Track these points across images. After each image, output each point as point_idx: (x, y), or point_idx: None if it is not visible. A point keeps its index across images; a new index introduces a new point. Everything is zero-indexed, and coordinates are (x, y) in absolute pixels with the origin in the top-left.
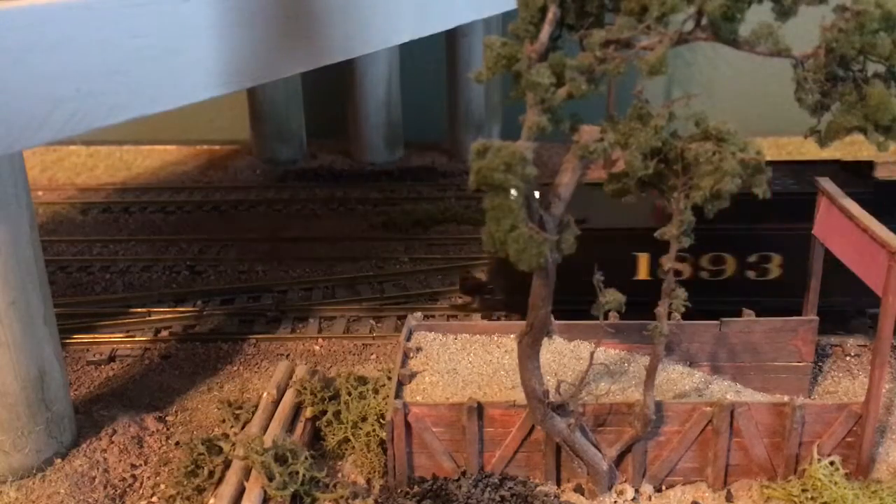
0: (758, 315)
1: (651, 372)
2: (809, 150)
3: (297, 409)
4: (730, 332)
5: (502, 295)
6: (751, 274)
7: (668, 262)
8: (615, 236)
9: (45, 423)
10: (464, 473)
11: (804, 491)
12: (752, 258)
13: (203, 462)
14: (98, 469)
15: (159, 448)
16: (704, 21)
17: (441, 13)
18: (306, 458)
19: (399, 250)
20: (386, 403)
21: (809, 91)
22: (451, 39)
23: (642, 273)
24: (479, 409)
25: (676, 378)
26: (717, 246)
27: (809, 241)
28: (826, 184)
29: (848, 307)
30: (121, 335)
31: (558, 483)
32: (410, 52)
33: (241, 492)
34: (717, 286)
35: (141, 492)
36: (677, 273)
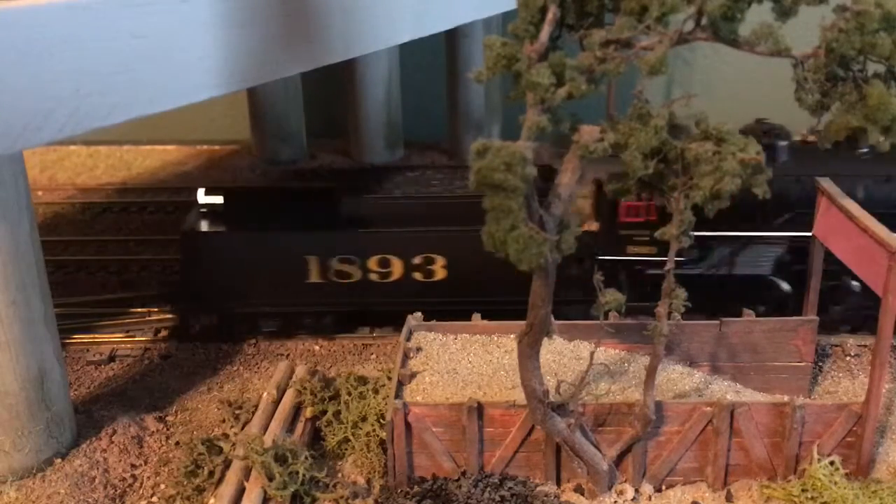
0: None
1: (651, 372)
2: None
3: (297, 409)
4: (730, 332)
5: None
6: (417, 275)
7: (668, 262)
8: (288, 239)
9: (45, 423)
10: (464, 473)
11: (804, 491)
12: (417, 260)
13: (203, 462)
14: (98, 469)
15: (159, 448)
16: (704, 21)
17: (441, 13)
18: (306, 458)
19: None
20: (386, 403)
21: (809, 91)
22: (451, 39)
23: (314, 276)
24: (479, 409)
25: (676, 378)
26: (383, 249)
27: (471, 244)
28: (826, 184)
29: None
30: (121, 335)
31: (558, 483)
32: (410, 52)
33: (241, 492)
34: (386, 288)
35: (141, 492)
36: (346, 276)
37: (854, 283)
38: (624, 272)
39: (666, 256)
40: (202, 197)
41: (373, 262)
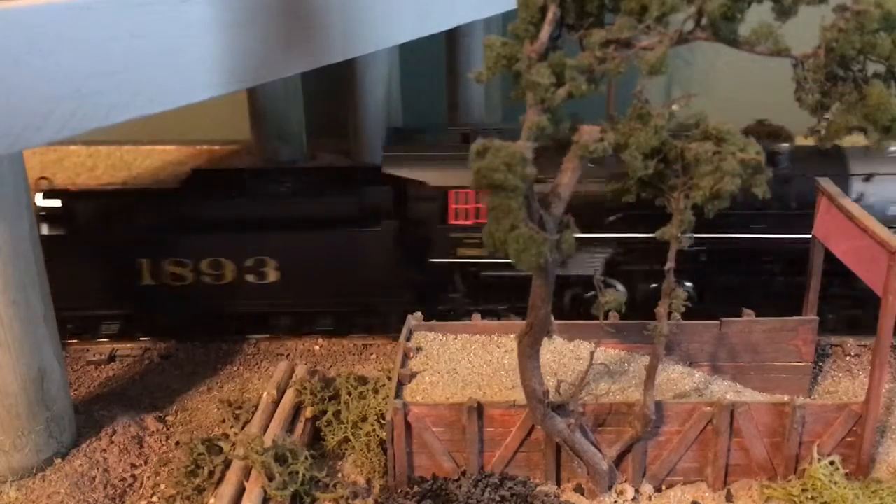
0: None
1: (651, 372)
2: None
3: (297, 409)
4: (730, 332)
5: None
6: (250, 278)
7: (668, 262)
8: (120, 241)
9: (45, 423)
10: (464, 473)
11: (804, 491)
12: (249, 263)
13: (203, 462)
14: (98, 469)
15: (159, 448)
16: (704, 21)
17: (441, 13)
18: (306, 458)
19: None
20: (386, 403)
21: (809, 91)
22: (451, 39)
23: (146, 278)
24: (479, 409)
25: (676, 378)
26: (215, 251)
27: (303, 246)
28: (826, 184)
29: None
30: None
31: (558, 483)
32: (410, 52)
33: (241, 492)
34: (219, 290)
35: (141, 492)
36: (180, 278)
37: (687, 283)
38: (458, 274)
39: (495, 259)
40: (40, 201)
41: (205, 265)
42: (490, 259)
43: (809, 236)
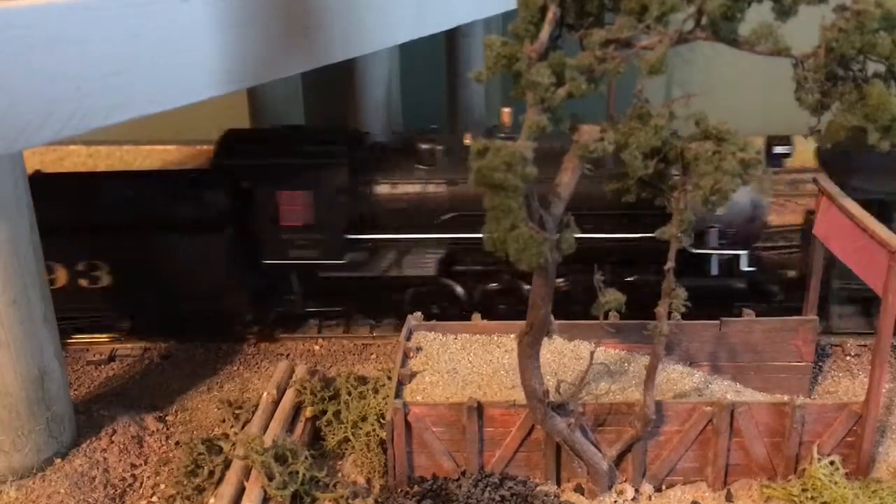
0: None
1: (651, 372)
2: None
3: (297, 409)
4: (730, 331)
5: None
6: (83, 282)
7: (668, 262)
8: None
9: (45, 422)
10: (464, 473)
11: (804, 490)
12: (81, 267)
13: (203, 462)
14: (98, 469)
15: (159, 448)
16: (704, 20)
17: (441, 13)
18: (306, 458)
19: None
20: (386, 403)
21: (809, 91)
22: (451, 39)
23: (60, 281)
24: (479, 409)
25: (676, 378)
26: (47, 255)
27: (136, 249)
28: (826, 184)
29: None
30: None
31: (558, 483)
32: (410, 52)
33: (241, 491)
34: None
35: (141, 491)
36: None
37: (526, 286)
38: (294, 276)
39: (327, 260)
40: None
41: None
42: (322, 260)
43: (639, 235)
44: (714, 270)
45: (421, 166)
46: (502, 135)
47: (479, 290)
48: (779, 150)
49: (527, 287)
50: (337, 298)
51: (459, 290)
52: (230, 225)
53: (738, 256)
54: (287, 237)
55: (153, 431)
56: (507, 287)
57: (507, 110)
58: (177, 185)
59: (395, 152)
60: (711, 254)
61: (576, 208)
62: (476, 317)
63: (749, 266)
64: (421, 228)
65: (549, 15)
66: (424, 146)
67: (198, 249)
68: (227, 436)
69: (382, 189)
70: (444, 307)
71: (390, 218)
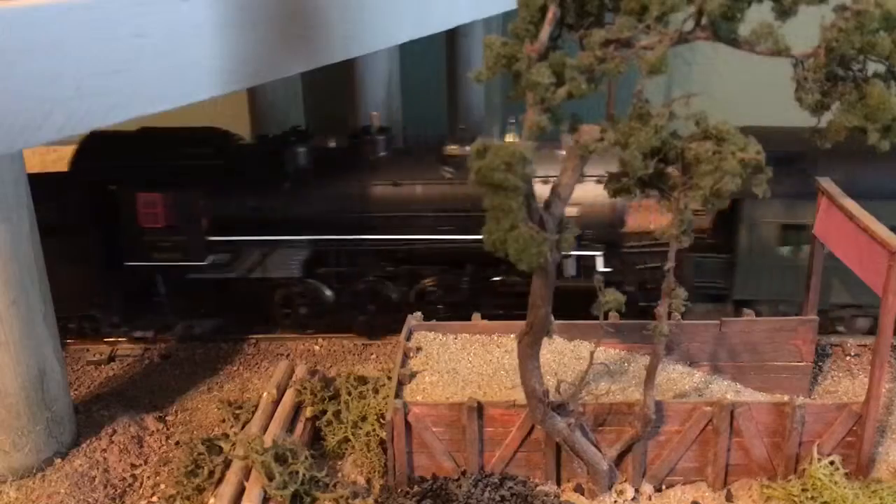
0: None
1: (651, 372)
2: None
3: (297, 409)
4: (730, 331)
5: None
6: None
7: (668, 262)
8: None
9: (45, 422)
10: (464, 473)
11: (804, 490)
12: None
13: (203, 462)
14: (98, 469)
15: (159, 448)
16: (704, 21)
17: (441, 13)
18: (306, 458)
19: None
20: (386, 403)
21: (809, 91)
22: (451, 39)
23: None
24: (479, 409)
25: (676, 378)
26: None
27: None
28: (826, 184)
29: None
30: (120, 335)
31: (558, 483)
32: (410, 52)
33: (241, 491)
34: None
35: (141, 491)
36: None
37: (328, 291)
38: (160, 278)
39: (189, 262)
40: None
41: None
42: (183, 262)
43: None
44: (571, 272)
45: (287, 169)
46: (368, 136)
47: (348, 290)
48: None
49: (328, 293)
50: (204, 301)
51: (327, 291)
52: (95, 227)
53: (593, 257)
54: (148, 239)
55: (153, 431)
56: (373, 287)
57: (375, 114)
58: (38, 188)
59: (262, 155)
60: (568, 255)
61: (441, 210)
62: (476, 317)
63: (606, 267)
64: (284, 230)
65: (549, 15)
66: (291, 149)
67: (63, 252)
68: (227, 436)
69: (247, 192)
70: (312, 308)
71: (254, 220)
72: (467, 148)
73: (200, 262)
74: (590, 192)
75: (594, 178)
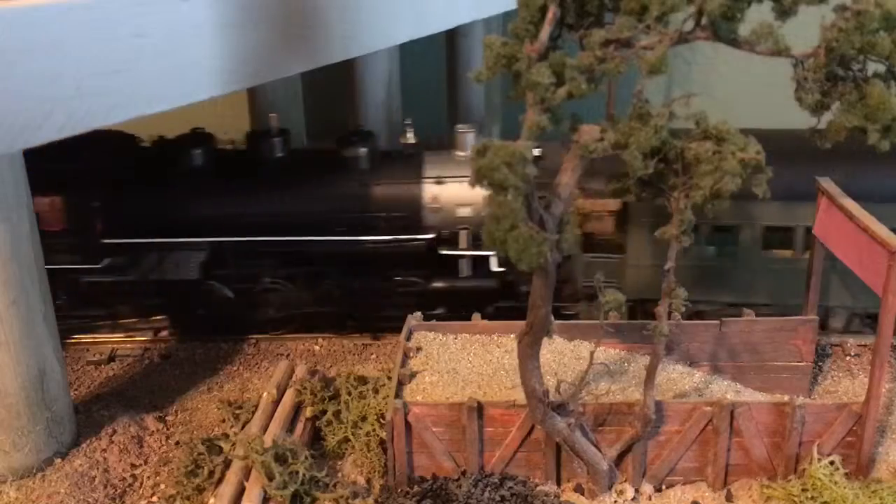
0: None
1: (651, 372)
2: None
3: (297, 409)
4: (730, 331)
5: None
6: None
7: (668, 262)
8: None
9: (45, 422)
10: (464, 473)
11: (804, 490)
12: None
13: (203, 462)
14: (98, 469)
15: (159, 448)
16: (704, 21)
17: (441, 13)
18: (306, 458)
19: None
20: (386, 403)
21: (809, 91)
22: (451, 39)
23: None
24: (479, 409)
25: (676, 378)
26: None
27: None
28: (826, 183)
29: None
30: (121, 335)
31: (558, 483)
32: (410, 52)
33: (241, 491)
34: None
35: (141, 491)
36: None
37: (227, 292)
38: (62, 280)
39: (84, 265)
40: None
41: None
42: (78, 265)
43: (388, 238)
44: (465, 272)
45: (180, 171)
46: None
47: (248, 291)
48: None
49: (229, 294)
50: (101, 303)
51: (227, 292)
52: None
53: (487, 257)
54: (48, 242)
55: (153, 431)
56: (273, 287)
57: (273, 115)
58: None
59: (159, 158)
60: (463, 255)
61: (337, 211)
62: (476, 317)
63: (499, 266)
64: (179, 232)
65: (549, 15)
66: (188, 151)
67: None
68: (227, 436)
69: (145, 194)
70: (212, 310)
71: (151, 222)
72: (361, 150)
73: (96, 265)
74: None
75: None
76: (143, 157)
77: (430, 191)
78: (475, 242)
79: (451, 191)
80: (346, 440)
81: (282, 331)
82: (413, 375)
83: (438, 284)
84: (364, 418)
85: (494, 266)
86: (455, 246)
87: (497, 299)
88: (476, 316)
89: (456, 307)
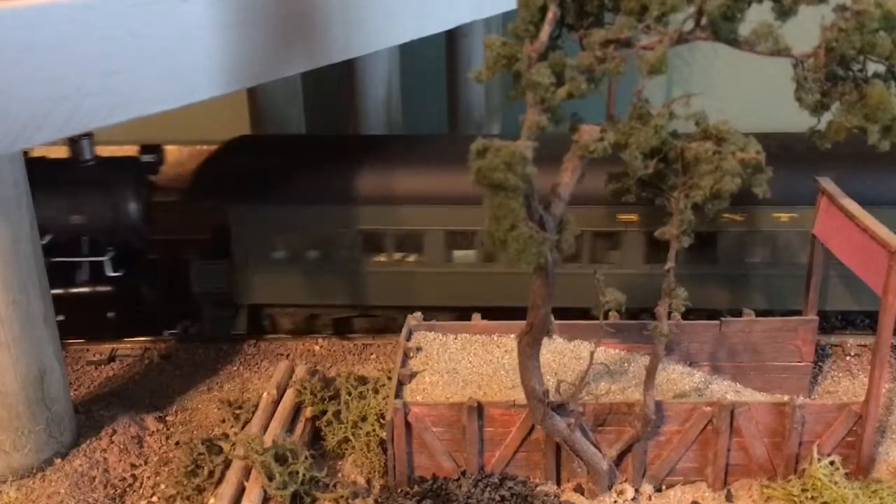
0: None
1: (651, 372)
2: None
3: (297, 409)
4: (730, 331)
5: None
6: None
7: (668, 262)
8: None
9: (45, 422)
10: (464, 473)
11: (804, 490)
12: None
13: (203, 462)
14: (98, 469)
15: (159, 448)
16: (704, 21)
17: (441, 13)
18: (306, 458)
19: None
20: (386, 403)
21: (809, 91)
22: (451, 39)
23: None
24: (479, 409)
25: (676, 378)
26: None
27: None
28: (826, 184)
29: None
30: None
31: (558, 483)
32: (410, 52)
33: (241, 491)
34: None
35: (141, 491)
36: None
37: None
38: None
39: None
40: None
41: None
42: None
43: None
44: (84, 277)
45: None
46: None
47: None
48: (146, 158)
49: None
50: None
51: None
52: None
53: (101, 263)
54: None
55: (153, 431)
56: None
57: None
58: None
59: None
60: (81, 262)
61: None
62: (476, 317)
63: (115, 271)
64: None
65: (549, 15)
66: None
67: None
68: (227, 436)
69: None
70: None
71: None
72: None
73: None
74: None
75: None
76: None
77: None
78: (109, 249)
79: None
80: (346, 440)
81: None
82: (413, 375)
83: (57, 292)
84: (364, 418)
85: (109, 271)
86: (70, 252)
87: (114, 304)
88: (476, 316)
89: (71, 314)
